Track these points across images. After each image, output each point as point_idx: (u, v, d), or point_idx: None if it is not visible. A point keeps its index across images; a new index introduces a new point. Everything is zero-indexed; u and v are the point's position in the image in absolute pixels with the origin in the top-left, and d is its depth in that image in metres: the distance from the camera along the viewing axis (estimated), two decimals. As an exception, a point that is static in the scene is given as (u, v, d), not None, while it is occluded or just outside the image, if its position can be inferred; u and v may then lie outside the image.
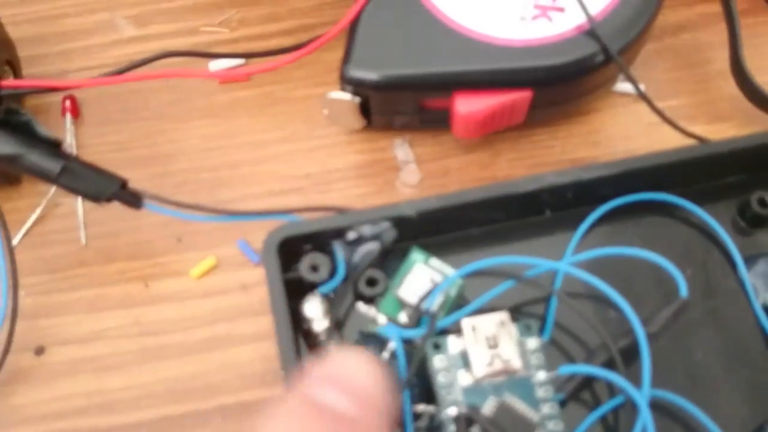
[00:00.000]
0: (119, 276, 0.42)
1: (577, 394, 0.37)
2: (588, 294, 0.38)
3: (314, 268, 0.37)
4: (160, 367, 0.40)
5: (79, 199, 0.43)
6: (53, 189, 0.43)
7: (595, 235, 0.40)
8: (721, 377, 0.38)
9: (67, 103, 0.45)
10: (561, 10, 0.40)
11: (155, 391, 0.40)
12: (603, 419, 0.37)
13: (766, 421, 0.36)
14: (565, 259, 0.38)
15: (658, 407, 0.36)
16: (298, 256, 0.37)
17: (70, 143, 0.45)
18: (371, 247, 0.37)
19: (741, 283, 0.39)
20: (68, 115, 0.45)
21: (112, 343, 0.41)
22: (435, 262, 0.37)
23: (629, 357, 0.35)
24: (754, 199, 0.40)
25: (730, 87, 0.45)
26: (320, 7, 0.49)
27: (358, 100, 0.41)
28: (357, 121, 0.43)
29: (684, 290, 0.36)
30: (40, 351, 0.40)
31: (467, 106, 0.40)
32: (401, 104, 0.42)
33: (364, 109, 0.42)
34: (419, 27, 0.41)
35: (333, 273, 0.37)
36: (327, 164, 0.45)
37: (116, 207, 0.42)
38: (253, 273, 0.42)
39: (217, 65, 0.47)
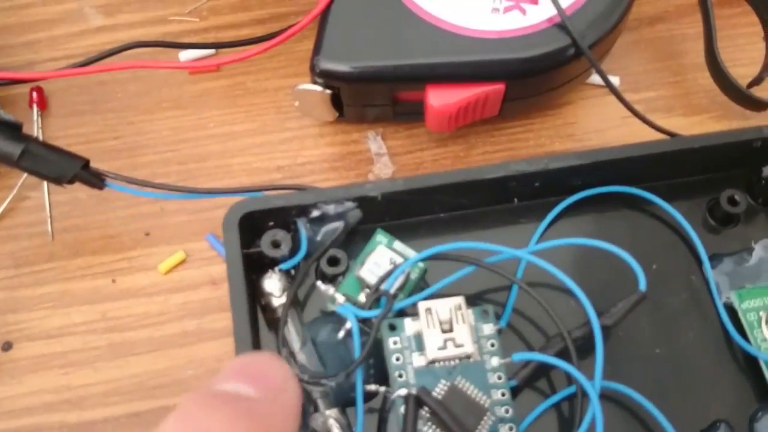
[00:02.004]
0: (87, 271, 0.42)
1: (530, 381, 0.37)
2: (549, 284, 0.38)
3: (275, 244, 0.37)
4: (129, 363, 0.40)
5: (46, 193, 0.43)
6: (20, 182, 0.43)
7: (562, 226, 0.40)
8: (677, 373, 0.38)
9: (34, 94, 0.45)
10: (535, 2, 0.40)
11: (124, 387, 0.39)
12: (555, 408, 0.37)
13: (719, 419, 0.36)
14: (529, 248, 0.38)
15: (611, 399, 0.36)
16: (261, 232, 0.37)
17: (37, 135, 0.44)
18: (335, 226, 0.38)
19: (705, 281, 0.39)
20: (35, 107, 0.44)
21: (79, 339, 0.40)
22: (398, 245, 0.37)
23: (586, 348, 0.35)
24: (724, 197, 0.40)
25: (706, 79, 0.44)
26: (291, -4, 0.48)
27: (329, 92, 0.41)
28: (329, 113, 0.43)
29: (643, 284, 0.36)
30: (7, 347, 0.40)
31: (440, 98, 0.40)
32: (373, 96, 0.42)
33: (336, 101, 0.42)
34: (391, 18, 0.40)
35: (295, 251, 0.37)
36: (299, 157, 0.44)
37: (84, 200, 0.42)
38: (223, 267, 0.41)
39: (186, 55, 0.47)
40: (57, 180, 0.39)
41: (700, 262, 0.39)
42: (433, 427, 0.33)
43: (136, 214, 0.43)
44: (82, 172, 0.39)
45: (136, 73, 0.46)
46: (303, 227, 0.37)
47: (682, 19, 0.48)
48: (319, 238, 0.37)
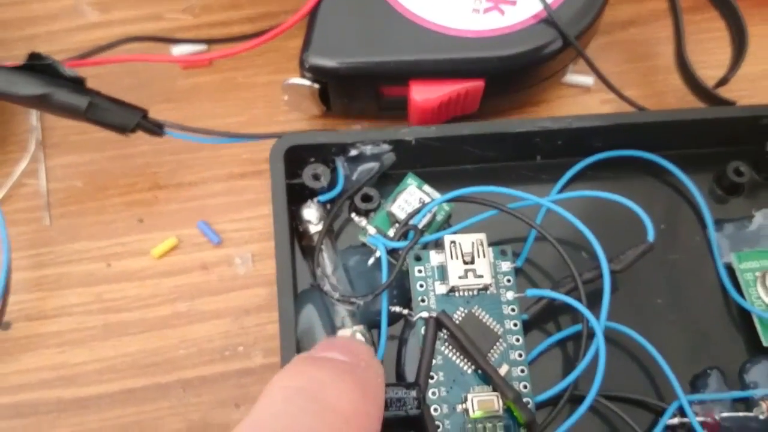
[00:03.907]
0: (83, 255, 0.43)
1: (540, 318, 0.40)
2: (565, 235, 0.40)
3: (316, 177, 0.40)
4: (123, 343, 0.41)
5: (44, 180, 0.44)
6: (20, 170, 0.45)
7: (580, 184, 0.43)
8: (676, 322, 0.41)
9: (32, 86, 0.46)
10: (513, 3, 0.42)
11: (118, 365, 0.41)
12: (561, 343, 0.40)
13: (710, 366, 0.39)
14: (549, 197, 0.40)
15: (613, 340, 0.39)
16: (303, 166, 0.40)
17: (35, 125, 0.46)
18: (370, 166, 0.41)
19: (708, 243, 0.42)
20: (33, 98, 0.46)
21: (75, 320, 0.42)
22: (427, 188, 0.40)
23: (594, 293, 0.38)
24: (730, 168, 0.43)
25: (676, 80, 0.46)
26: (282, -5, 0.50)
27: (317, 86, 0.43)
28: (316, 107, 0.44)
29: (651, 235, 0.39)
30: (6, 326, 0.41)
31: (423, 93, 0.42)
32: (359, 91, 0.44)
33: (324, 96, 0.44)
34: (377, 17, 0.42)
35: (332, 185, 0.40)
36: (287, 149, 0.46)
37: (80, 188, 0.44)
38: (213, 253, 0.43)
39: (179, 50, 0.48)
40: (121, 129, 0.41)
41: (704, 226, 0.42)
42: (450, 347, 0.36)
43: (131, 201, 0.44)
44: (143, 121, 0.41)
45: (131, 67, 0.47)
46: (341, 165, 0.41)
47: (654, 23, 0.50)
48: (355, 176, 0.41)
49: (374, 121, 0.46)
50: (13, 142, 0.46)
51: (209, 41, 0.48)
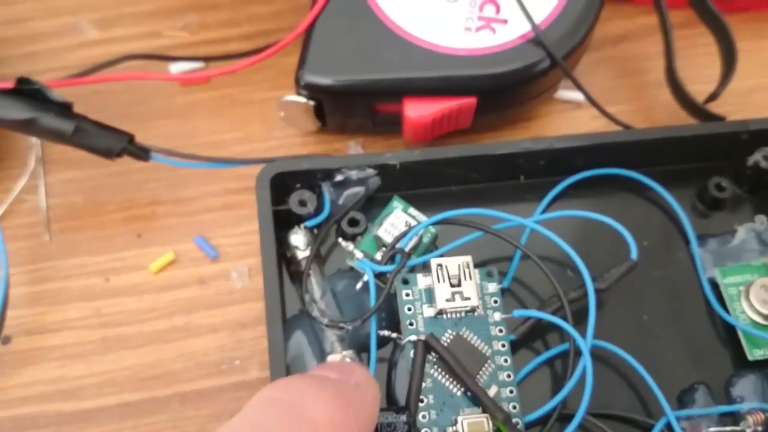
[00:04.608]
0: (82, 270, 0.44)
1: (528, 338, 0.40)
2: (550, 255, 0.41)
3: (302, 203, 0.40)
4: (121, 356, 0.42)
5: (44, 196, 0.45)
6: (20, 186, 0.45)
7: (563, 203, 0.43)
8: (662, 338, 0.41)
9: (33, 103, 0.47)
10: (504, 21, 0.43)
11: (116, 379, 0.41)
12: (548, 362, 0.40)
13: (696, 382, 0.39)
14: (533, 218, 0.41)
15: (600, 358, 0.39)
16: (289, 193, 0.41)
17: (34, 142, 0.46)
18: (356, 191, 0.41)
19: (692, 258, 0.42)
20: (33, 115, 0.47)
21: (75, 334, 0.42)
22: (413, 210, 0.41)
23: (580, 313, 0.38)
24: (712, 184, 0.43)
25: (666, 95, 0.47)
26: (278, 13, 0.51)
27: (312, 103, 0.44)
28: (312, 123, 0.45)
29: (635, 253, 0.39)
30: (6, 340, 0.42)
31: (416, 110, 0.43)
32: (354, 108, 0.44)
33: (319, 112, 0.45)
34: (371, 35, 0.43)
35: (319, 211, 0.41)
36: (283, 164, 0.46)
37: (79, 204, 0.44)
38: (210, 268, 0.44)
39: (177, 68, 0.49)
40: (106, 154, 0.42)
41: (687, 241, 0.43)
42: (440, 370, 0.37)
43: (129, 216, 0.45)
44: (129, 146, 0.42)
45: (130, 84, 0.48)
46: (327, 190, 0.41)
47: (644, 39, 0.51)
48: (341, 201, 0.41)
49: (369, 136, 0.47)
50: (13, 158, 0.46)
51: (207, 59, 0.49)
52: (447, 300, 0.37)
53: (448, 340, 0.37)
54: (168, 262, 0.44)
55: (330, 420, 0.28)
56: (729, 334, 0.41)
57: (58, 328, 0.43)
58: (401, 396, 0.37)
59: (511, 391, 0.37)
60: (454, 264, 0.38)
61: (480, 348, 0.37)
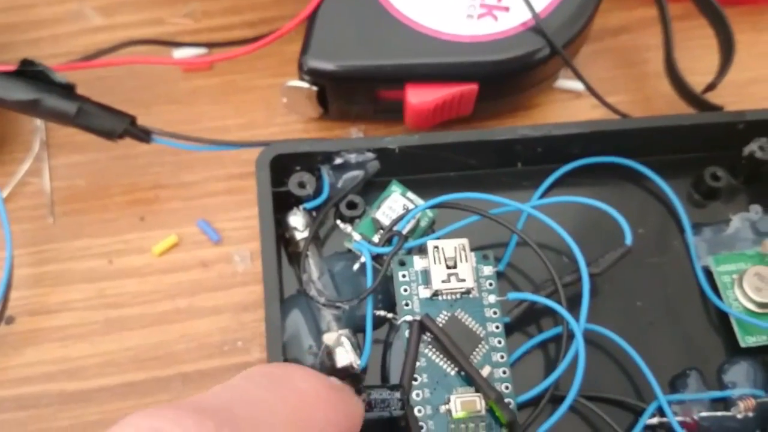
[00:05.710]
0: (85, 252, 0.44)
1: (521, 321, 0.40)
2: (545, 241, 0.41)
3: (301, 185, 0.41)
4: (124, 337, 0.42)
5: (48, 179, 0.45)
6: (24, 169, 0.46)
7: (560, 190, 0.44)
8: (655, 324, 0.41)
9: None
10: (506, 9, 0.43)
11: (119, 359, 0.42)
12: (541, 345, 0.41)
13: (688, 367, 0.40)
14: (530, 203, 0.41)
15: (593, 342, 0.40)
16: (288, 175, 0.41)
17: (39, 125, 0.47)
18: (354, 174, 0.42)
19: (686, 247, 0.43)
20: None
21: (78, 315, 0.43)
22: (411, 194, 0.41)
23: (574, 296, 0.38)
24: (707, 173, 0.44)
25: (665, 85, 0.47)
26: (280, 0, 0.51)
27: (315, 89, 0.44)
28: (314, 109, 0.46)
29: (629, 239, 0.40)
30: (9, 320, 0.42)
31: (418, 96, 0.43)
32: (356, 94, 0.45)
33: (322, 98, 0.45)
34: (374, 21, 0.43)
35: (318, 193, 0.41)
36: (285, 150, 0.47)
37: (83, 187, 0.45)
38: (213, 251, 0.44)
39: (180, 54, 0.49)
40: (109, 135, 0.42)
41: (682, 230, 0.43)
42: (434, 350, 0.37)
43: (132, 200, 0.45)
44: (131, 128, 0.42)
45: (133, 70, 0.48)
46: (326, 173, 0.41)
47: (644, 30, 0.51)
48: (340, 184, 0.42)
49: (371, 123, 0.47)
50: (18, 141, 0.47)
51: (210, 45, 0.49)
52: (443, 281, 0.38)
53: (443, 321, 0.38)
54: (171, 245, 0.44)
55: (316, 392, 0.29)
56: (722, 321, 0.41)
57: (61, 308, 0.43)
58: (396, 375, 0.37)
59: (504, 372, 0.37)
60: (450, 246, 0.38)
61: (474, 329, 0.38)
